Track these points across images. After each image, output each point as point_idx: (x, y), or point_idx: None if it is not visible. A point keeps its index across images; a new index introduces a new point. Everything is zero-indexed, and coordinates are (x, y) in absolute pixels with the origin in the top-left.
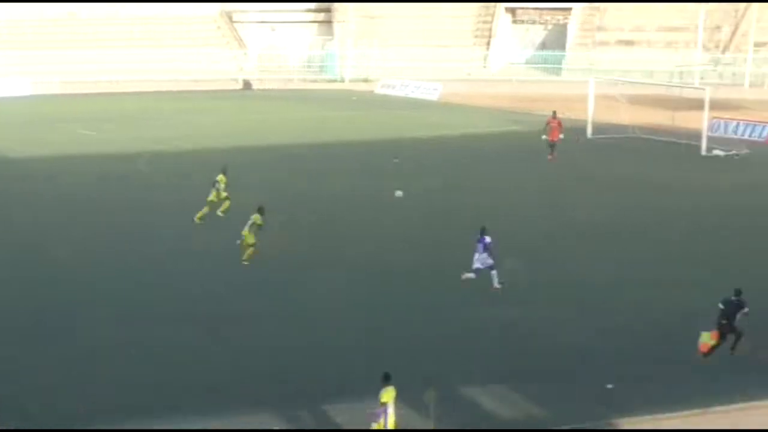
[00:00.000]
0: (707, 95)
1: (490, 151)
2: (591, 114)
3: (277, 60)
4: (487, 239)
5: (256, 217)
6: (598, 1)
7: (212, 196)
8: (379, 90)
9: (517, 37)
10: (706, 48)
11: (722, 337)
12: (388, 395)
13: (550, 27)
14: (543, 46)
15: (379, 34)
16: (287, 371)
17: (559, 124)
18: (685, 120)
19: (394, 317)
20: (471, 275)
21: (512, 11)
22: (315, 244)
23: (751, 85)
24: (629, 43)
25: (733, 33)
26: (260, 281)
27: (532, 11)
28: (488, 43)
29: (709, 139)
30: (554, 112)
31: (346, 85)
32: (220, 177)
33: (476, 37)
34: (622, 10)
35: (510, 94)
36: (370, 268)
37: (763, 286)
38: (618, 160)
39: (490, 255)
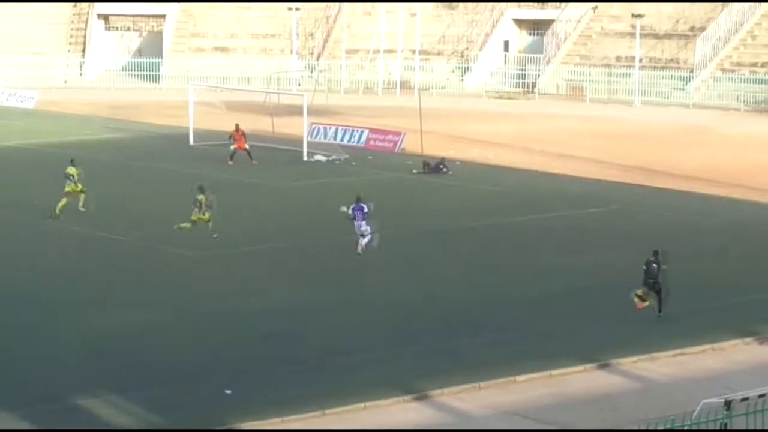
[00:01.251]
0: (305, 101)
1: (90, 159)
2: (192, 121)
3: None
4: (365, 207)
5: (202, 198)
6: (187, 1)
7: (69, 188)
8: None
9: (112, 43)
10: (300, 55)
11: (652, 290)
12: None
13: (144, 34)
14: (139, 53)
15: None
16: None
17: (243, 134)
18: (285, 126)
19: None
20: (366, 240)
21: (105, 17)
22: None
23: (345, 92)
24: (224, 49)
25: (326, 40)
26: None
27: (125, 18)
28: (83, 50)
29: (310, 144)
30: (237, 125)
31: None
32: (71, 169)
33: (71, 44)
34: (216, 16)
35: (109, 101)
36: None
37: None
38: (222, 166)
39: (368, 222)
